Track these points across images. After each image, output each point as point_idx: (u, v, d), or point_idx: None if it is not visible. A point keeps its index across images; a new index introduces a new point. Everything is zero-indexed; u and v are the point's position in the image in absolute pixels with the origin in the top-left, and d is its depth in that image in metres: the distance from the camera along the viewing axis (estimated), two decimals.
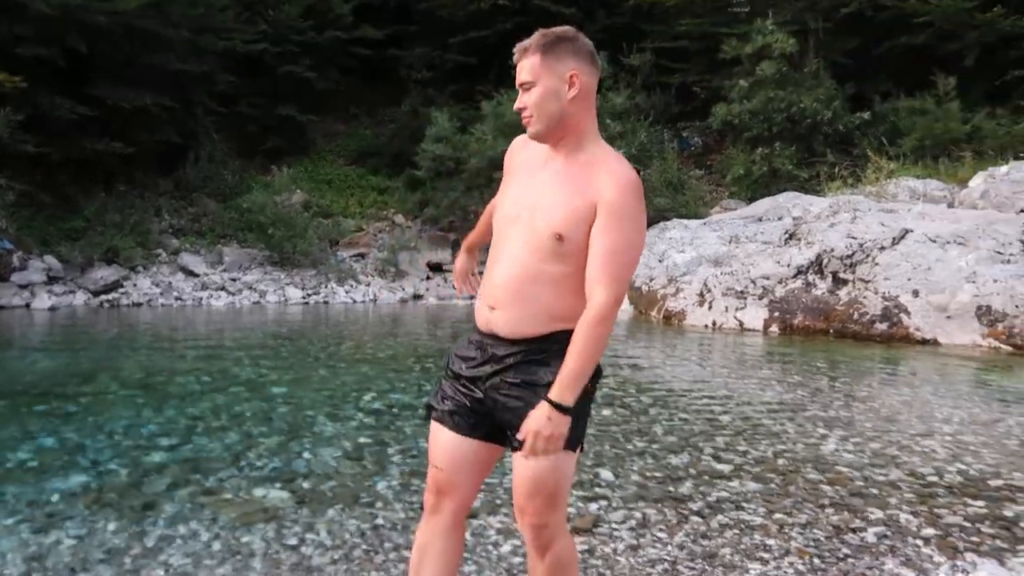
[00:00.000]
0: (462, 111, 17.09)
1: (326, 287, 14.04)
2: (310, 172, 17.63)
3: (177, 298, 12.77)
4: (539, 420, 1.85)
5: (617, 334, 9.97)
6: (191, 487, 3.81)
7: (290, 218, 14.70)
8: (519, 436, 1.88)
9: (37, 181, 13.46)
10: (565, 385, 1.84)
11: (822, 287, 9.50)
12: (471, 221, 15.95)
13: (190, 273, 13.68)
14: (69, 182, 14.18)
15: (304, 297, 13.53)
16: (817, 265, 9.65)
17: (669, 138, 17.53)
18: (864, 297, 9.07)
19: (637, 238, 1.92)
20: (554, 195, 1.95)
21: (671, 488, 3.83)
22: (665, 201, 14.51)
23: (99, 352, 8.19)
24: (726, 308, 9.97)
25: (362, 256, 15.57)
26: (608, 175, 1.91)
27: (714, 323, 9.96)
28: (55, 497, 3.68)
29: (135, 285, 12.94)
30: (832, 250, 9.62)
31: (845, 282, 9.37)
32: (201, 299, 12.82)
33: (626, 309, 11.42)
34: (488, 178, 15.10)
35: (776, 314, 9.53)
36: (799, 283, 9.66)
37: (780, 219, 11.38)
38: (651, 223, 14.02)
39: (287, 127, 17.54)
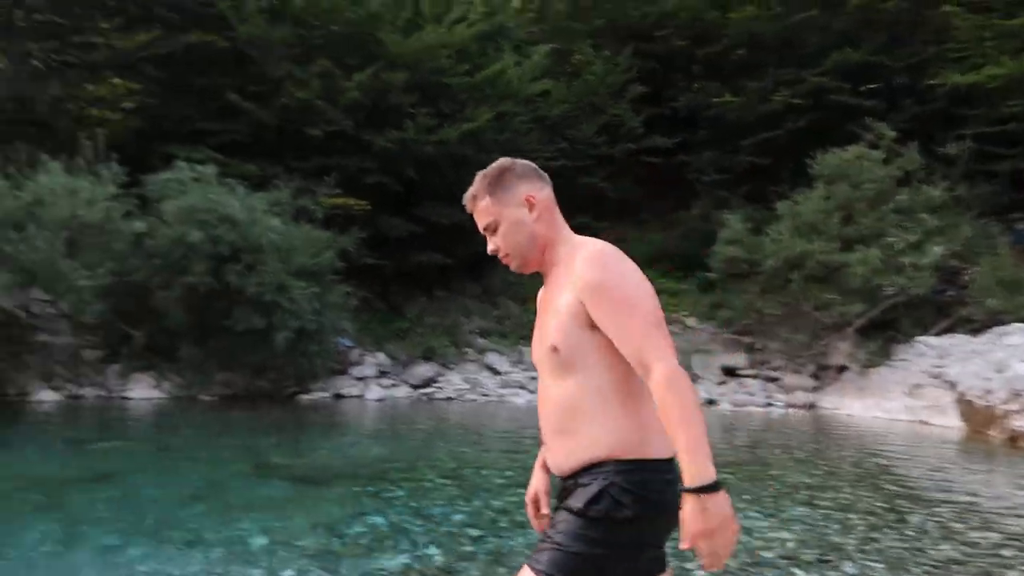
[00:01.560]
0: (755, 211, 16.73)
1: None
2: None
3: (483, 394, 13.78)
4: (693, 519, 1.56)
5: (947, 456, 8.72)
6: None
7: None
8: (682, 546, 1.59)
9: (375, 290, 15.68)
10: (690, 460, 1.58)
11: None
12: (767, 324, 15.30)
13: (494, 371, 14.75)
14: (398, 290, 16.33)
15: None
16: None
17: (1000, 231, 15.41)
18: None
19: (636, 294, 1.78)
20: (547, 314, 1.92)
21: None
22: (999, 303, 12.64)
23: (417, 441, 9.09)
24: None
25: None
26: (579, 261, 1.85)
27: None
28: (383, 574, 4.09)
29: (448, 381, 14.25)
30: None
31: None
32: (503, 395, 13.69)
33: (957, 426, 9.97)
34: (785, 279, 14.45)
35: None
36: None
37: None
38: (984, 327, 12.29)
39: (583, 234, 18.53)
